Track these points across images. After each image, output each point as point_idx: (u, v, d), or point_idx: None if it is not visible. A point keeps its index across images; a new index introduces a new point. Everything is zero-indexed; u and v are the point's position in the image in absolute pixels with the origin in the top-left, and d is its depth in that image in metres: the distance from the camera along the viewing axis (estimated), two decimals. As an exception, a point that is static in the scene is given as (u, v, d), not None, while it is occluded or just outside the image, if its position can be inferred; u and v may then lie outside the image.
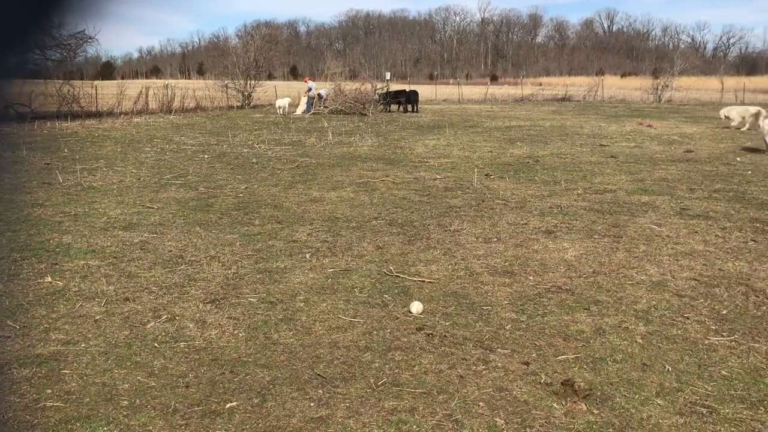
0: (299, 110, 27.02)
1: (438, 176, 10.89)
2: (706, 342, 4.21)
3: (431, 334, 4.34)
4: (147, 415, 3.29)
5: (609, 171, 11.43)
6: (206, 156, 13.41)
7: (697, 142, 16.00)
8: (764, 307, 4.82)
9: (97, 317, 4.61)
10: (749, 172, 11.18)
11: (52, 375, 3.71)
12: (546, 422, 3.23)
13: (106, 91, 26.37)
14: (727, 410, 3.34)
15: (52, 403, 3.38)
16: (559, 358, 3.97)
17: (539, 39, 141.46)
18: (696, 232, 7.08)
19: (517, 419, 3.25)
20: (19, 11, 1.02)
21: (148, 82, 37.71)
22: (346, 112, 25.43)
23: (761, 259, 6.04)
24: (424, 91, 36.68)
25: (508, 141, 16.43)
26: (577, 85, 49.12)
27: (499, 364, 3.88)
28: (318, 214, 8.01)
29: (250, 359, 3.95)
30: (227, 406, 3.39)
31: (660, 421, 3.24)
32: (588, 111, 28.86)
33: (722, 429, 3.17)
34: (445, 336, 4.30)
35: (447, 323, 4.53)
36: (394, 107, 27.85)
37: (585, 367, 3.84)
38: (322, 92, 28.03)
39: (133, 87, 28.55)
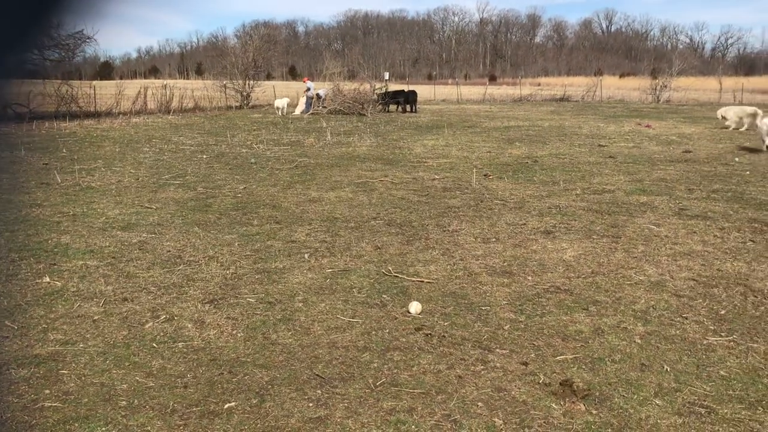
0: (298, 110, 27.03)
1: (437, 176, 10.89)
2: (705, 342, 4.21)
3: (430, 334, 4.34)
4: (145, 415, 3.28)
5: (607, 171, 11.43)
6: (205, 156, 13.40)
7: (695, 143, 16.01)
8: (762, 308, 4.83)
9: (96, 317, 4.60)
10: (747, 173, 11.19)
11: (51, 375, 3.70)
12: (544, 422, 3.23)
13: (105, 91, 26.37)
14: (726, 410, 3.34)
15: (50, 404, 3.37)
16: (558, 358, 3.97)
17: (538, 39, 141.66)
18: (694, 232, 7.08)
19: (516, 419, 3.25)
20: (19, 11, 1.02)
21: (147, 82, 37.68)
22: (344, 112, 25.43)
23: (760, 260, 6.05)
24: (423, 91, 36.68)
25: (507, 141, 16.44)
26: (576, 85, 49.13)
27: (498, 365, 3.88)
28: (317, 214, 8.01)
29: (248, 359, 3.94)
30: (226, 406, 3.38)
31: (658, 421, 3.24)
32: (586, 111, 28.88)
33: (720, 429, 3.17)
34: (444, 336, 4.30)
35: (445, 323, 4.53)
36: (392, 107, 27.86)
37: (583, 367, 3.84)
38: (321, 92, 28.04)
39: (132, 87, 28.53)
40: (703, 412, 3.32)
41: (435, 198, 9.05)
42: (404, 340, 4.26)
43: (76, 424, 3.19)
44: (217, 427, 3.19)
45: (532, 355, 4.01)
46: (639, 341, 4.21)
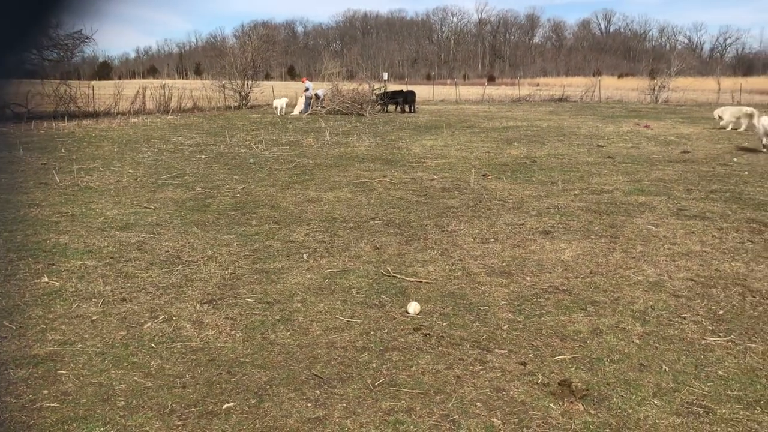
0: (297, 110, 27.02)
1: (435, 177, 10.89)
2: (703, 342, 4.21)
3: (428, 334, 4.34)
4: (144, 415, 3.28)
5: (606, 171, 11.44)
6: (203, 156, 13.40)
7: (693, 143, 16.03)
8: (761, 308, 4.84)
9: (94, 318, 4.60)
10: (746, 173, 11.21)
11: (49, 375, 3.70)
12: (543, 422, 3.23)
13: (103, 91, 26.36)
14: (724, 410, 3.34)
15: (48, 404, 3.37)
16: (556, 358, 3.97)
17: (536, 39, 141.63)
18: (693, 232, 7.09)
19: (514, 419, 3.26)
20: (19, 11, 1.02)
21: (145, 82, 37.68)
22: (343, 113, 25.43)
23: (758, 260, 6.05)
24: (422, 91, 36.68)
25: (506, 141, 16.45)
26: (575, 85, 49.16)
27: (496, 365, 3.88)
28: (315, 214, 8.01)
29: (247, 360, 3.94)
30: (224, 406, 3.38)
31: (657, 421, 3.24)
32: (585, 111, 28.91)
33: (719, 429, 3.18)
34: (443, 336, 4.30)
35: (444, 324, 4.54)
36: (391, 107, 27.87)
37: (582, 367, 3.85)
38: (320, 92, 28.04)
39: (130, 87, 28.50)
40: (701, 412, 3.33)
41: (434, 198, 9.05)
42: (403, 340, 4.26)
43: (75, 425, 3.18)
44: (216, 427, 3.19)
45: (531, 356, 4.01)
46: (637, 341, 4.22)
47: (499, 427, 3.19)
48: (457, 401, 3.44)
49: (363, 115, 24.88)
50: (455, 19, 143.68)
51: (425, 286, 5.36)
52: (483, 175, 10.96)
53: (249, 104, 30.45)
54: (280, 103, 26.66)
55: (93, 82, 29.76)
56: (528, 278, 5.55)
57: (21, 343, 4.13)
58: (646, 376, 3.72)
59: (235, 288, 5.27)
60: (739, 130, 18.58)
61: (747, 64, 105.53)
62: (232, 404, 3.40)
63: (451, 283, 5.44)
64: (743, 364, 3.88)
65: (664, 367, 3.84)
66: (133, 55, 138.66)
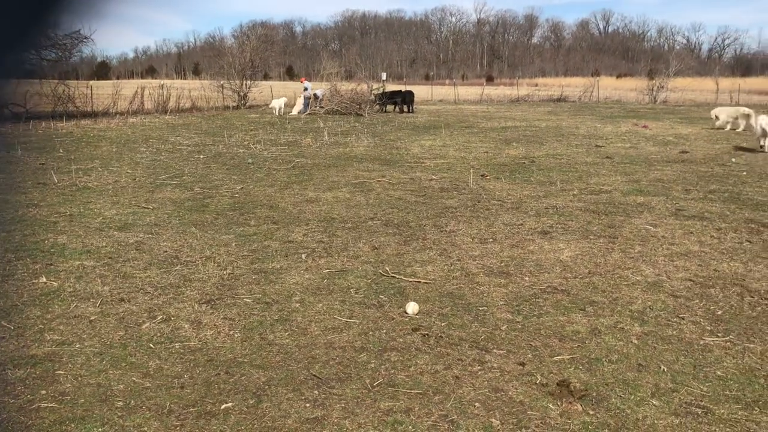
0: (295, 110, 27.02)
1: (434, 177, 10.89)
2: (702, 342, 4.22)
3: (427, 334, 4.34)
4: (142, 416, 3.28)
5: (604, 172, 11.45)
6: (202, 156, 13.39)
7: (692, 143, 16.05)
8: (759, 308, 4.84)
9: (92, 318, 4.59)
10: (744, 173, 11.22)
11: (47, 376, 3.69)
12: (541, 423, 3.23)
13: (102, 91, 26.33)
14: (722, 411, 3.34)
15: (46, 404, 3.37)
16: (555, 358, 3.97)
17: (535, 40, 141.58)
18: (691, 232, 7.09)
19: (513, 420, 3.26)
20: (19, 11, 1.02)
21: (144, 82, 37.65)
22: (342, 113, 25.43)
23: (756, 260, 6.06)
24: (420, 91, 36.69)
25: (504, 141, 16.45)
26: (573, 85, 49.18)
27: (495, 365, 3.88)
28: (314, 214, 8.01)
29: (245, 360, 3.94)
30: (222, 406, 3.38)
31: (655, 421, 3.24)
32: (583, 112, 28.92)
33: (717, 429, 3.18)
34: (441, 337, 4.30)
35: (443, 324, 4.53)
36: (390, 108, 27.87)
37: (580, 367, 3.85)
38: (318, 92, 28.04)
39: (129, 87, 28.47)
40: (699, 413, 3.33)
41: (432, 198, 9.05)
42: (401, 340, 4.26)
43: (73, 425, 3.18)
44: (214, 427, 3.18)
45: (529, 356, 4.01)
46: (636, 342, 4.22)
47: (498, 428, 3.18)
48: (455, 401, 3.44)
49: (361, 115, 24.88)
50: (454, 19, 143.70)
51: (424, 286, 5.36)
52: (481, 176, 10.96)
53: (247, 104, 30.44)
54: (278, 103, 26.65)
55: (91, 82, 29.71)
56: (526, 278, 5.55)
57: (19, 344, 4.12)
58: (644, 377, 3.72)
59: (233, 288, 5.27)
60: (737, 130, 18.61)
61: (745, 65, 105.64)
62: (230, 404, 3.40)
63: (450, 283, 5.43)
64: (741, 365, 3.88)
65: (662, 367, 3.85)
66: (131, 55, 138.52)
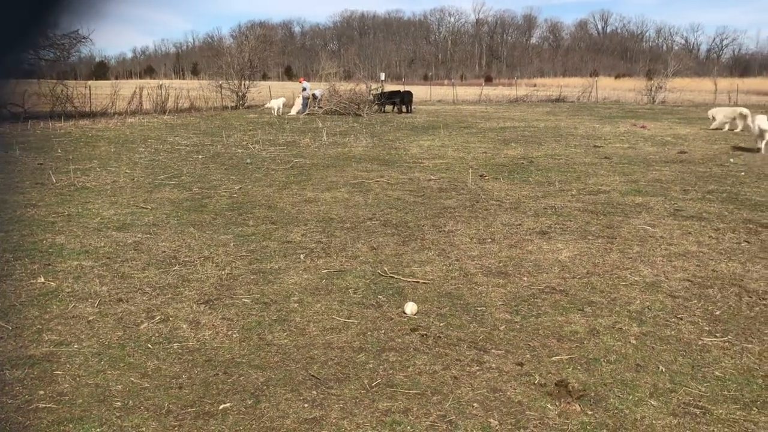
0: (294, 110, 27.01)
1: (432, 177, 10.89)
2: (700, 343, 4.22)
3: (425, 335, 4.34)
4: (140, 416, 3.27)
5: (603, 172, 11.46)
6: (200, 156, 13.38)
7: (690, 143, 16.06)
8: (757, 308, 4.84)
9: (91, 318, 4.59)
10: (742, 173, 11.23)
11: (45, 376, 3.69)
12: (540, 423, 3.23)
13: (100, 91, 26.30)
14: (721, 411, 3.35)
15: (44, 405, 3.36)
16: (553, 358, 3.97)
17: (533, 40, 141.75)
18: (689, 233, 7.10)
19: (511, 420, 3.26)
20: (19, 11, 1.01)
21: (142, 82, 37.61)
22: (340, 113, 25.43)
23: (754, 260, 6.07)
24: (419, 91, 36.71)
25: (503, 142, 16.46)
26: (572, 86, 49.24)
27: (493, 365, 3.88)
28: (312, 214, 8.00)
29: (243, 360, 3.94)
30: (221, 407, 3.38)
31: (654, 421, 3.24)
32: (582, 112, 28.94)
33: (715, 430, 3.18)
34: (440, 337, 4.30)
35: (441, 324, 4.53)
36: (388, 108, 27.87)
37: (579, 367, 3.85)
38: (317, 93, 28.03)
39: (127, 87, 28.46)
40: (698, 413, 3.33)
41: (431, 198, 9.05)
42: (400, 340, 4.26)
43: (71, 425, 3.18)
44: (212, 428, 3.18)
45: (528, 356, 4.01)
46: (634, 342, 4.22)
47: (496, 428, 3.18)
48: (454, 402, 3.44)
49: (360, 115, 24.87)
50: (452, 20, 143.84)
51: (422, 286, 5.36)
52: (480, 176, 10.97)
53: (246, 104, 30.43)
54: (277, 103, 26.64)
55: (90, 82, 29.66)
56: (525, 279, 5.55)
57: (17, 344, 4.12)
58: (642, 377, 3.72)
59: (231, 288, 5.26)
60: (736, 130, 18.63)
61: (743, 65, 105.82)
62: (228, 405, 3.40)
63: (448, 283, 5.43)
64: (740, 365, 3.89)
65: (660, 367, 3.85)
66: (130, 55, 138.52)
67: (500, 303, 4.95)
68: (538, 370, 3.81)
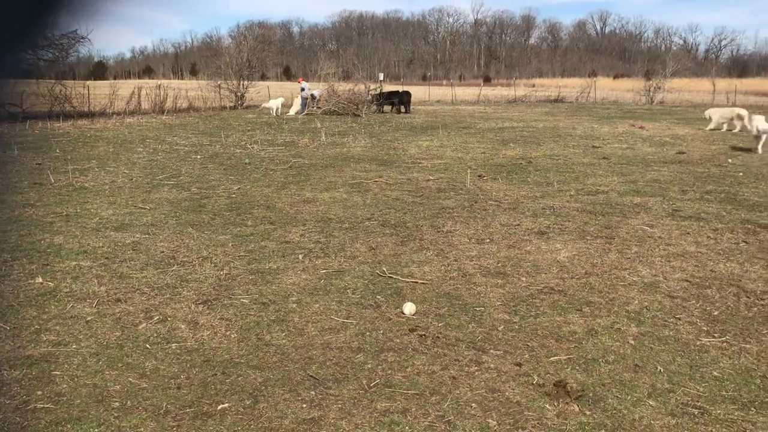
0: (292, 110, 26.99)
1: (431, 177, 10.89)
2: (698, 343, 4.22)
3: (424, 335, 4.34)
4: (138, 416, 3.27)
5: (601, 172, 11.46)
6: (199, 156, 13.37)
7: (688, 144, 16.07)
8: (755, 308, 4.85)
9: (89, 318, 4.58)
10: (741, 174, 11.24)
11: (43, 376, 3.68)
12: (538, 423, 3.23)
13: (99, 91, 26.28)
14: (719, 411, 3.35)
15: (42, 405, 3.36)
16: (552, 359, 3.97)
17: (532, 40, 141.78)
18: (688, 233, 7.11)
19: (510, 420, 3.26)
20: (19, 11, 1.01)
21: (141, 82, 37.59)
22: (339, 113, 25.41)
23: (752, 261, 6.07)
24: (418, 92, 36.72)
25: (501, 142, 16.46)
26: (570, 86, 49.27)
27: (492, 365, 3.88)
28: (311, 214, 8.00)
29: (242, 360, 3.94)
30: (219, 407, 3.37)
31: (652, 422, 3.25)
32: (580, 112, 28.95)
33: (714, 430, 3.18)
34: (438, 337, 4.30)
35: (440, 324, 4.53)
36: (387, 108, 27.86)
37: (577, 368, 3.85)
38: (316, 93, 28.01)
39: (126, 87, 28.43)
40: (696, 413, 3.33)
41: (429, 199, 9.05)
42: (398, 341, 4.26)
43: (69, 426, 3.17)
44: (211, 428, 3.18)
45: (526, 356, 4.01)
46: (632, 342, 4.23)
47: (495, 428, 3.19)
48: (452, 402, 3.44)
49: (359, 115, 24.86)
50: (451, 20, 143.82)
51: (421, 286, 5.36)
52: (479, 176, 10.97)
53: (245, 104, 30.41)
54: (275, 103, 26.62)
55: (88, 82, 29.66)
56: (523, 279, 5.55)
57: (15, 344, 4.11)
58: (641, 377, 3.73)
59: (230, 288, 5.26)
60: (734, 131, 18.65)
61: (742, 66, 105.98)
62: (227, 405, 3.40)
63: (447, 283, 5.44)
64: (738, 365, 3.89)
65: (659, 367, 3.85)
66: (128, 55, 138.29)
67: (499, 303, 4.95)
68: (536, 371, 3.81)
